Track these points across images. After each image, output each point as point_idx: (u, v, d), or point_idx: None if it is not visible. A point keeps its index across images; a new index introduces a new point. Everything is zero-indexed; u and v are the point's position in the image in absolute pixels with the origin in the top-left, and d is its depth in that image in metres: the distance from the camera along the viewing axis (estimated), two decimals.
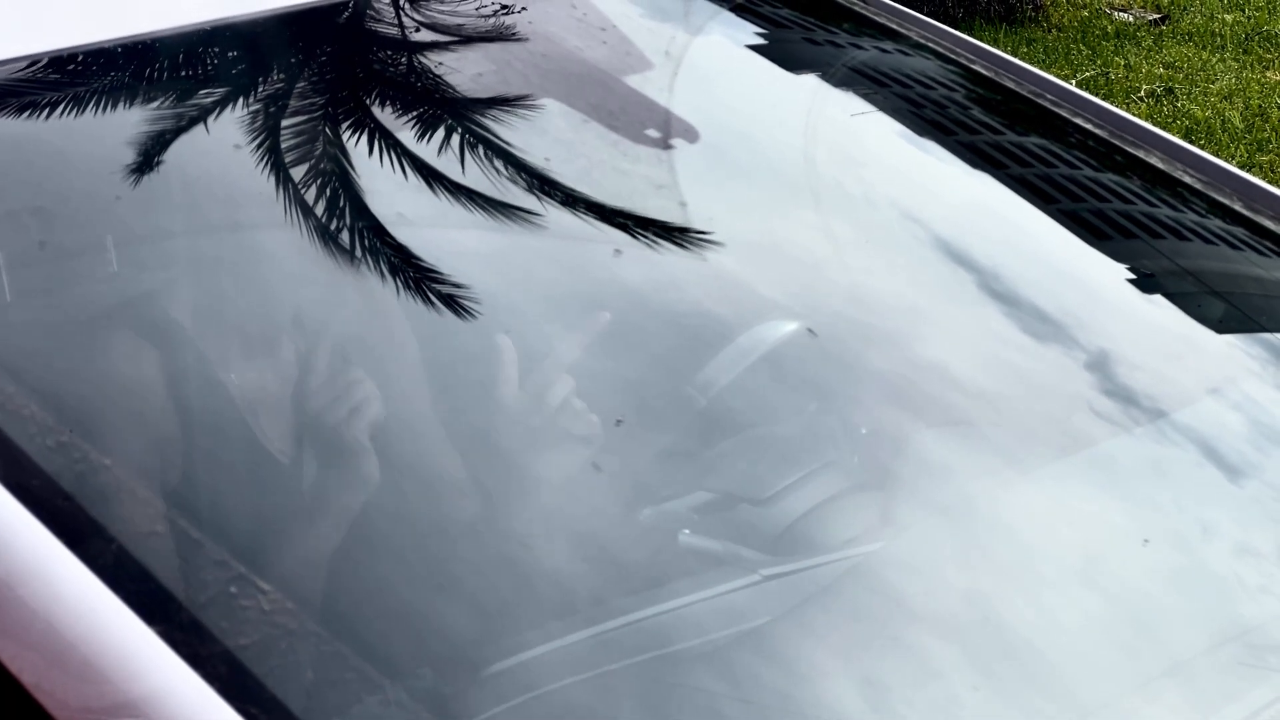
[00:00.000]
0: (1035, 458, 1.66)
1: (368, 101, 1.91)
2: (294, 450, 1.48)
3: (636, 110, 2.00)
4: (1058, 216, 2.00)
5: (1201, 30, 6.96)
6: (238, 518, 1.41)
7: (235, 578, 1.29)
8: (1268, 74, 6.48)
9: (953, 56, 2.27)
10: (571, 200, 1.78)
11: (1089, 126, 2.15)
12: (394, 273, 1.65)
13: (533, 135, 1.85)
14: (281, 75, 1.91)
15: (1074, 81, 6.26)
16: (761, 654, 1.39)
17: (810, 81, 2.20)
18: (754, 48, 2.26)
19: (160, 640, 1.20)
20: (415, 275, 1.64)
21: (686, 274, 1.76)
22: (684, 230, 1.79)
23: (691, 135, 2.00)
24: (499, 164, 1.78)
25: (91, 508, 1.31)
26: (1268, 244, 1.98)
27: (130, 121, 1.73)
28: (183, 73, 1.86)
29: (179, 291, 1.61)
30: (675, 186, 1.88)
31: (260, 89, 1.86)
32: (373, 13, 2.08)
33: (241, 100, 1.80)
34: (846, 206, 1.98)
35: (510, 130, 1.84)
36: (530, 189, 1.77)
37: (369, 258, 1.67)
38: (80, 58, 1.79)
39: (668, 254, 1.76)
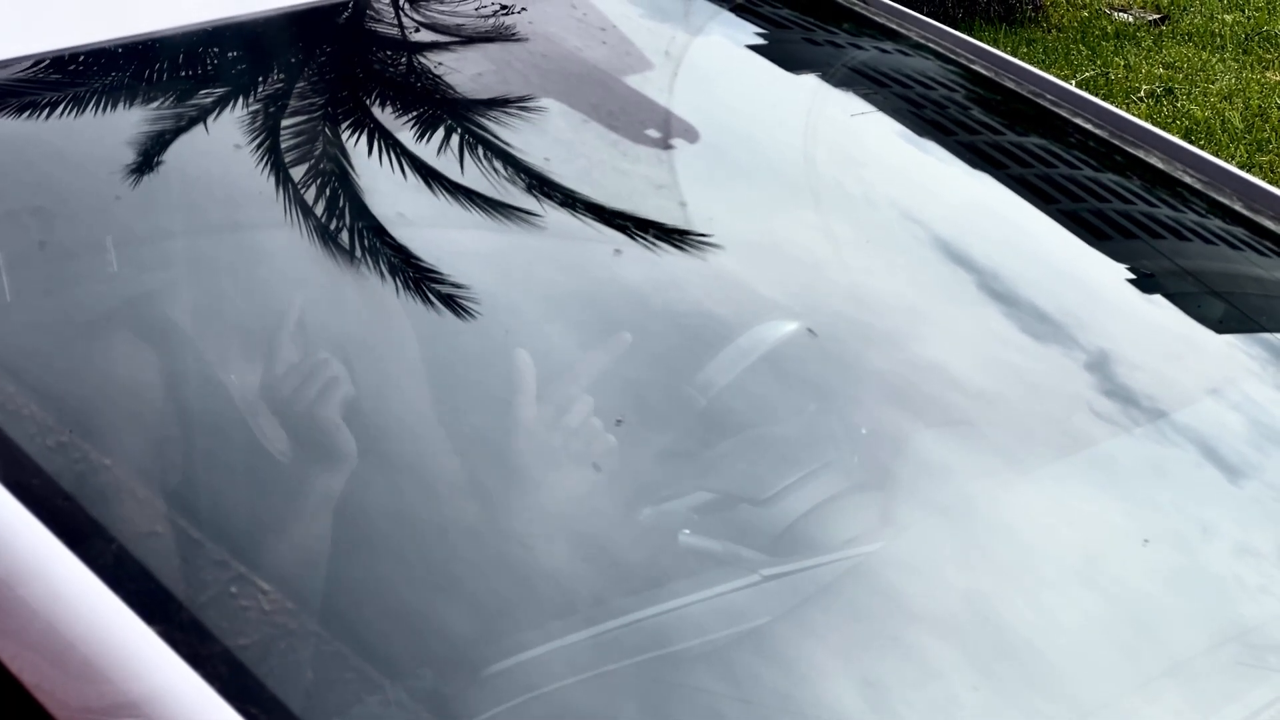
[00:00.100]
0: (1035, 458, 1.66)
1: (368, 101, 1.91)
2: (293, 450, 1.48)
3: (636, 110, 2.00)
4: (1058, 217, 2.00)
5: (1201, 30, 6.96)
6: (238, 518, 1.41)
7: (235, 578, 1.29)
8: (1267, 74, 6.49)
9: (952, 57, 2.27)
10: (571, 200, 1.78)
11: (1089, 127, 2.15)
12: (394, 273, 1.65)
13: (533, 135, 1.85)
14: (281, 75, 1.91)
15: (1074, 82, 6.26)
16: (761, 654, 1.39)
17: (810, 82, 2.20)
18: (754, 48, 2.26)
19: (160, 640, 1.20)
20: (415, 275, 1.64)
21: (686, 274, 1.76)
22: (684, 230, 1.79)
23: (691, 135, 2.00)
24: (499, 164, 1.78)
25: (91, 508, 1.31)
26: (1268, 244, 1.98)
27: (130, 121, 1.73)
28: (183, 73, 1.86)
29: (179, 292, 1.61)
30: (675, 186, 1.88)
31: (260, 89, 1.86)
32: (373, 13, 2.08)
33: (241, 100, 1.80)
34: (846, 207, 1.98)
35: (510, 130, 1.84)
36: (530, 189, 1.77)
37: (369, 258, 1.67)
38: (80, 58, 1.79)
39: (668, 254, 1.76)
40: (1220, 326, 1.89)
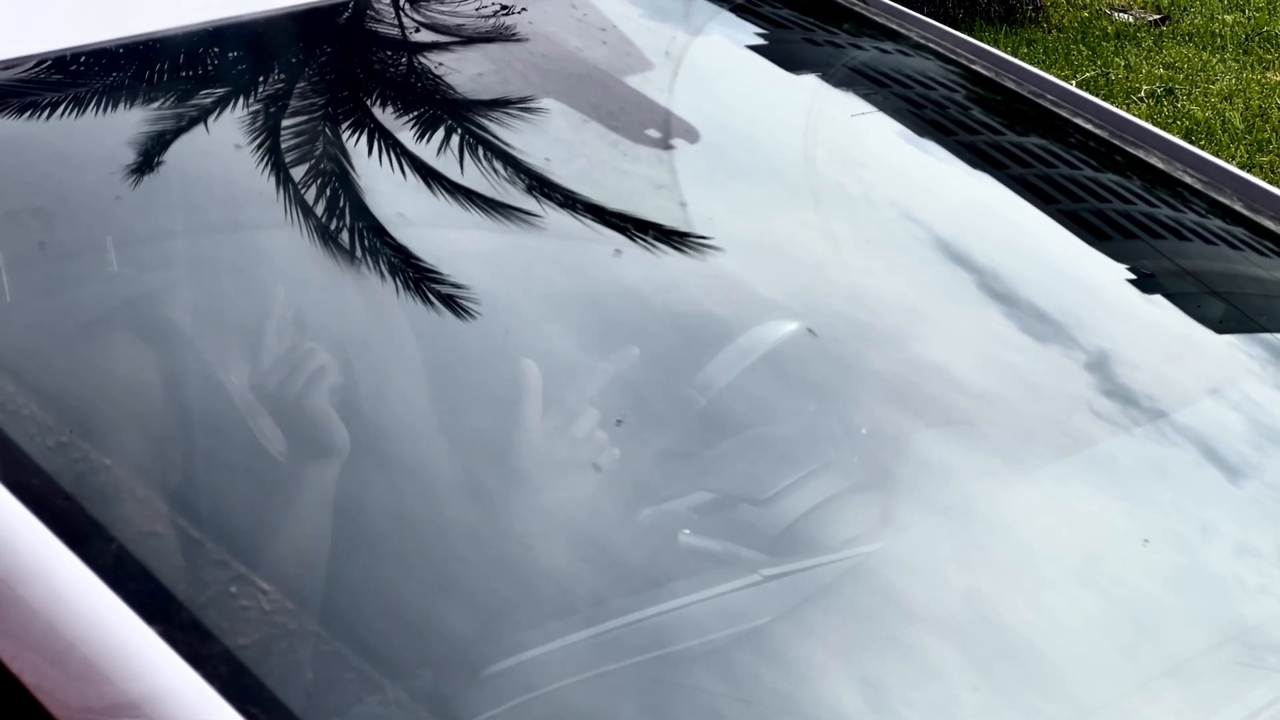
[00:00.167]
0: (1035, 458, 1.66)
1: (368, 102, 1.92)
2: (293, 450, 1.48)
3: (636, 110, 2.00)
4: (1058, 217, 2.00)
5: (1201, 31, 6.96)
6: (238, 518, 1.41)
7: (235, 578, 1.29)
8: (1268, 75, 6.48)
9: (953, 57, 2.27)
10: (571, 200, 1.78)
11: (1089, 127, 2.15)
12: (395, 273, 1.65)
13: (533, 135, 1.85)
14: (282, 75, 1.91)
15: (1074, 82, 6.26)
16: (761, 654, 1.39)
17: (810, 82, 2.20)
18: (754, 48, 2.26)
19: (160, 640, 1.20)
20: (416, 275, 1.64)
21: (687, 274, 1.76)
22: (684, 230, 1.79)
23: (692, 135, 2.00)
24: (499, 164, 1.78)
25: (91, 508, 1.31)
26: (1268, 244, 1.98)
27: (130, 122, 1.73)
28: (183, 73, 1.86)
29: (179, 292, 1.61)
30: (675, 186, 1.88)
31: (260, 89, 1.86)
32: (373, 13, 2.08)
33: (242, 100, 1.80)
34: (846, 207, 1.98)
35: (510, 130, 1.84)
36: (530, 189, 1.77)
37: (370, 258, 1.67)
38: (80, 58, 1.79)
39: (668, 254, 1.76)
40: (1220, 326, 1.89)
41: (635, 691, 1.36)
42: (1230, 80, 6.38)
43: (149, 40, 1.82)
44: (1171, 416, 1.72)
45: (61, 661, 1.20)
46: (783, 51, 2.25)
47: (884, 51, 2.30)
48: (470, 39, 2.01)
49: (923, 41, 2.29)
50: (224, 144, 1.73)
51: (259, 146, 1.73)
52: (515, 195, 1.75)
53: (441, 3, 2.11)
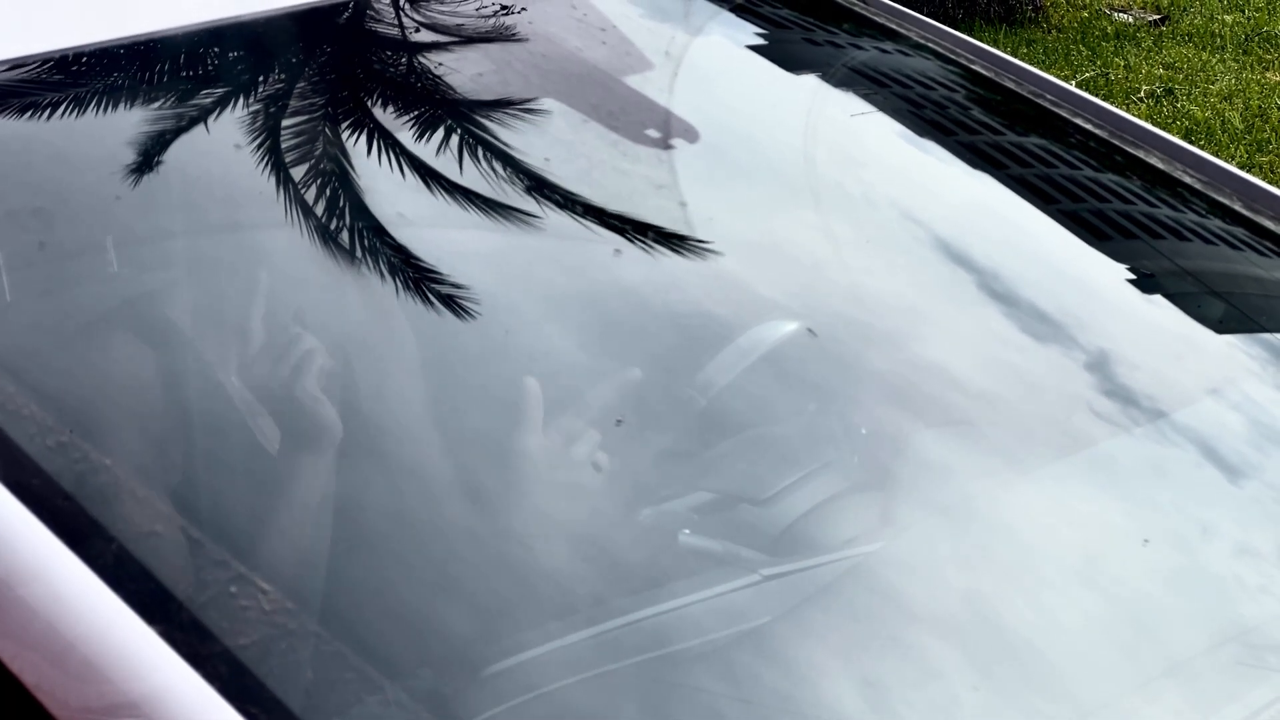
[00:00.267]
0: (1035, 458, 1.66)
1: (368, 102, 1.92)
2: (294, 450, 1.48)
3: (636, 110, 2.00)
4: (1058, 217, 2.00)
5: (1201, 31, 6.96)
6: (238, 518, 1.41)
7: (235, 578, 1.29)
8: (1267, 75, 6.49)
9: (953, 57, 2.27)
10: (571, 200, 1.78)
11: (1089, 127, 2.15)
12: (395, 273, 1.65)
13: (533, 135, 1.85)
14: (282, 75, 1.91)
15: (1074, 82, 6.26)
16: (761, 654, 1.39)
17: (810, 82, 2.20)
18: (754, 48, 2.26)
19: (160, 640, 1.20)
20: (416, 275, 1.64)
21: (687, 274, 1.76)
22: (684, 230, 1.79)
23: (691, 135, 2.00)
24: (499, 164, 1.78)
25: (92, 508, 1.31)
26: (1268, 244, 1.98)
27: (130, 122, 1.73)
28: (183, 73, 1.86)
29: (179, 292, 1.61)
30: (675, 187, 1.88)
31: (260, 89, 1.86)
32: (373, 13, 2.08)
33: (242, 100, 1.80)
34: (846, 207, 1.98)
35: (510, 130, 1.84)
36: (530, 189, 1.77)
37: (370, 258, 1.67)
38: (80, 58, 1.79)
39: (668, 254, 1.76)
40: (1220, 326, 1.89)
41: (635, 691, 1.36)
42: (1230, 80, 6.38)
43: (149, 40, 1.82)
44: (1171, 416, 1.72)
45: (61, 661, 1.20)
46: (782, 51, 2.26)
47: (884, 51, 2.30)
48: (470, 39, 2.01)
49: (922, 41, 2.29)
50: (224, 144, 1.73)
51: (259, 146, 1.73)
52: (515, 195, 1.75)
53: (441, 3, 2.11)
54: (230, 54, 1.90)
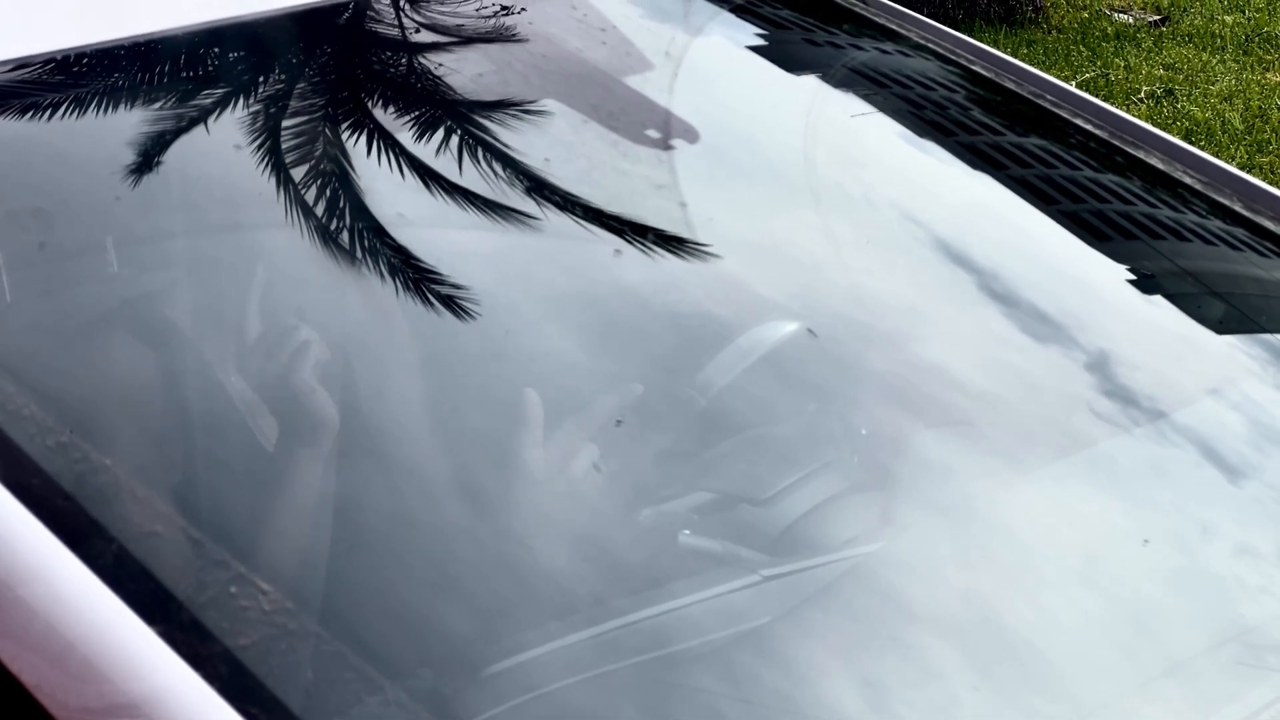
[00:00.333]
0: (1035, 458, 1.66)
1: (368, 102, 1.92)
2: (294, 451, 1.48)
3: (636, 111, 2.00)
4: (1058, 217, 2.00)
5: (1201, 32, 6.96)
6: (238, 518, 1.41)
7: (235, 578, 1.29)
8: (1268, 75, 6.49)
9: (953, 58, 2.27)
10: (571, 201, 1.78)
11: (1089, 127, 2.15)
12: (395, 273, 1.65)
13: (533, 136, 1.85)
14: (282, 76, 1.91)
15: (1074, 83, 6.26)
16: (761, 654, 1.39)
17: (810, 82, 2.20)
18: (754, 49, 2.26)
19: (160, 640, 1.20)
20: (416, 276, 1.64)
21: (687, 274, 1.76)
22: (684, 231, 1.79)
23: (691, 136, 2.00)
24: (499, 165, 1.78)
25: (92, 508, 1.31)
26: (1268, 244, 1.98)
27: (130, 122, 1.73)
28: (182, 73, 1.86)
29: (179, 292, 1.61)
30: (675, 187, 1.88)
31: (260, 89, 1.86)
32: (373, 13, 2.08)
33: (242, 101, 1.80)
34: (847, 207, 1.98)
35: (510, 131, 1.84)
36: (530, 190, 1.77)
37: (370, 259, 1.67)
38: (80, 58, 1.79)
39: (668, 254, 1.76)
40: (1220, 327, 1.89)
41: (635, 692, 1.36)
42: (1230, 81, 6.38)
43: (149, 40, 1.83)
44: (1171, 417, 1.72)
45: (61, 661, 1.20)
46: (782, 52, 2.26)
47: (884, 52, 2.30)
48: (470, 39, 2.01)
49: (922, 42, 2.29)
50: (224, 144, 1.73)
51: (259, 147, 1.73)
52: (515, 196, 1.75)
53: (441, 3, 2.11)
54: (230, 54, 1.90)
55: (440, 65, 1.97)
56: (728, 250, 1.80)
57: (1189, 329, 1.88)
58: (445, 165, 1.76)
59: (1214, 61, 6.61)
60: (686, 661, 1.38)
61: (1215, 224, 2.05)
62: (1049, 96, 2.20)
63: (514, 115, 1.87)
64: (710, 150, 1.99)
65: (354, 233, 1.69)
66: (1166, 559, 1.57)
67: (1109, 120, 2.16)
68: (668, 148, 1.95)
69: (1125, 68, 6.52)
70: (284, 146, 1.74)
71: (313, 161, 1.74)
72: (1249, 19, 7.14)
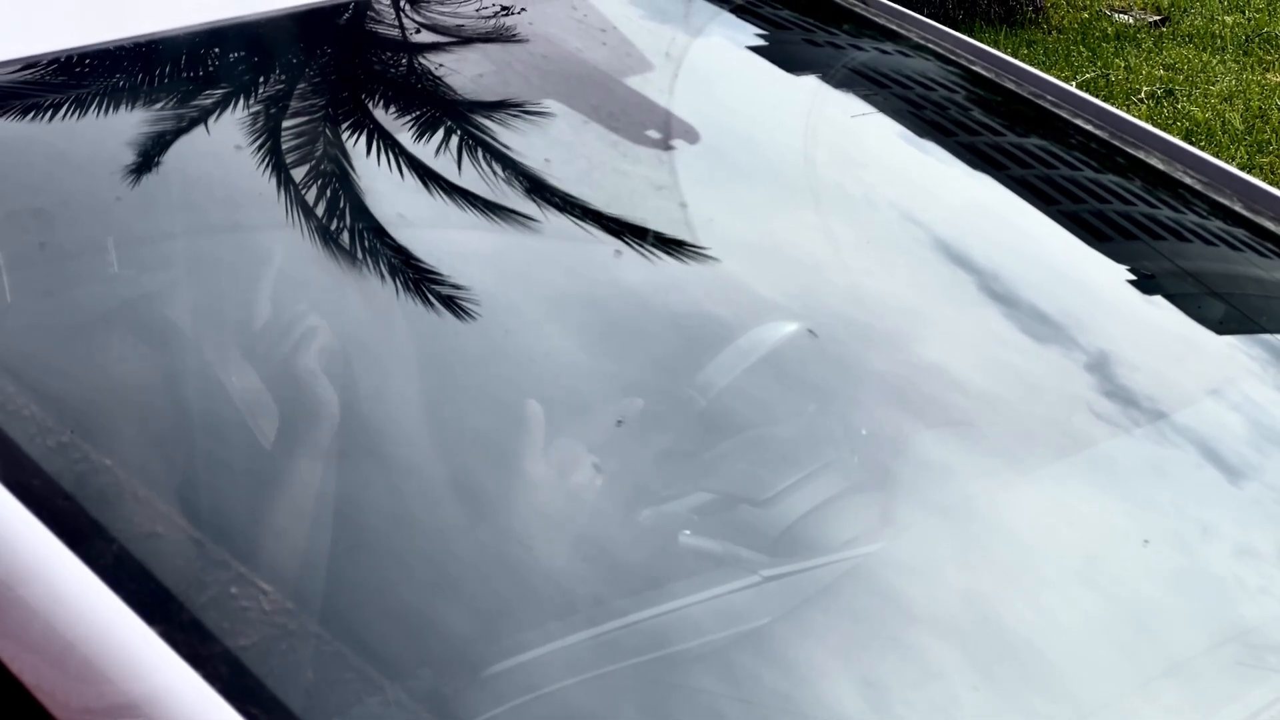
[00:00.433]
0: (1035, 458, 1.66)
1: (368, 103, 1.92)
2: (294, 451, 1.48)
3: (637, 111, 2.00)
4: (1058, 218, 2.00)
5: (1202, 32, 6.96)
6: (238, 518, 1.41)
7: (235, 578, 1.29)
8: (1268, 76, 6.49)
9: (953, 58, 2.27)
10: (572, 201, 1.78)
11: (1089, 128, 2.15)
12: (395, 274, 1.65)
13: (533, 136, 1.85)
14: (282, 76, 1.91)
15: (1074, 83, 6.26)
16: (761, 655, 1.39)
17: (810, 83, 2.20)
18: (754, 49, 2.26)
19: (160, 640, 1.20)
20: (416, 276, 1.64)
21: (687, 275, 1.76)
22: (684, 231, 1.79)
23: (692, 136, 2.00)
24: (499, 165, 1.78)
25: (92, 508, 1.31)
26: (1268, 245, 1.98)
27: (130, 123, 1.73)
28: (183, 74, 1.87)
29: (179, 292, 1.61)
30: (676, 188, 1.88)
31: (261, 90, 1.86)
32: (373, 13, 2.08)
33: (242, 101, 1.80)
34: (847, 208, 1.98)
35: (511, 131, 1.84)
36: (530, 190, 1.77)
37: (370, 259, 1.67)
38: (80, 59, 1.79)
39: (668, 255, 1.76)
40: (1220, 327, 1.89)
41: (635, 692, 1.36)
42: (1230, 81, 6.38)
43: (149, 41, 1.83)
44: (1172, 417, 1.72)
45: (61, 661, 1.20)
46: (783, 53, 2.26)
47: (884, 53, 2.30)
48: (470, 40, 2.01)
49: (923, 42, 2.29)
50: (224, 145, 1.73)
51: (259, 147, 1.73)
52: (515, 196, 1.75)
53: (441, 3, 2.11)
54: (231, 55, 1.90)
55: (440, 66, 1.97)
56: (728, 251, 1.80)
57: (1189, 329, 1.88)
58: (445, 166, 1.76)
59: (1214, 62, 6.61)
60: (687, 662, 1.38)
61: (1215, 224, 2.05)
62: (1049, 97, 2.20)
63: (514, 116, 1.87)
64: (710, 151, 2.00)
65: (354, 233, 1.69)
66: (1167, 559, 1.57)
67: (1109, 120, 2.16)
68: (668, 148, 1.95)
69: (1125, 68, 6.52)
70: (284, 147, 1.74)
71: (313, 162, 1.74)
72: (1249, 19, 7.14)
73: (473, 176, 1.75)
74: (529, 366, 1.61)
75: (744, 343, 1.68)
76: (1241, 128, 5.90)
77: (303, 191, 1.70)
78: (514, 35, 2.02)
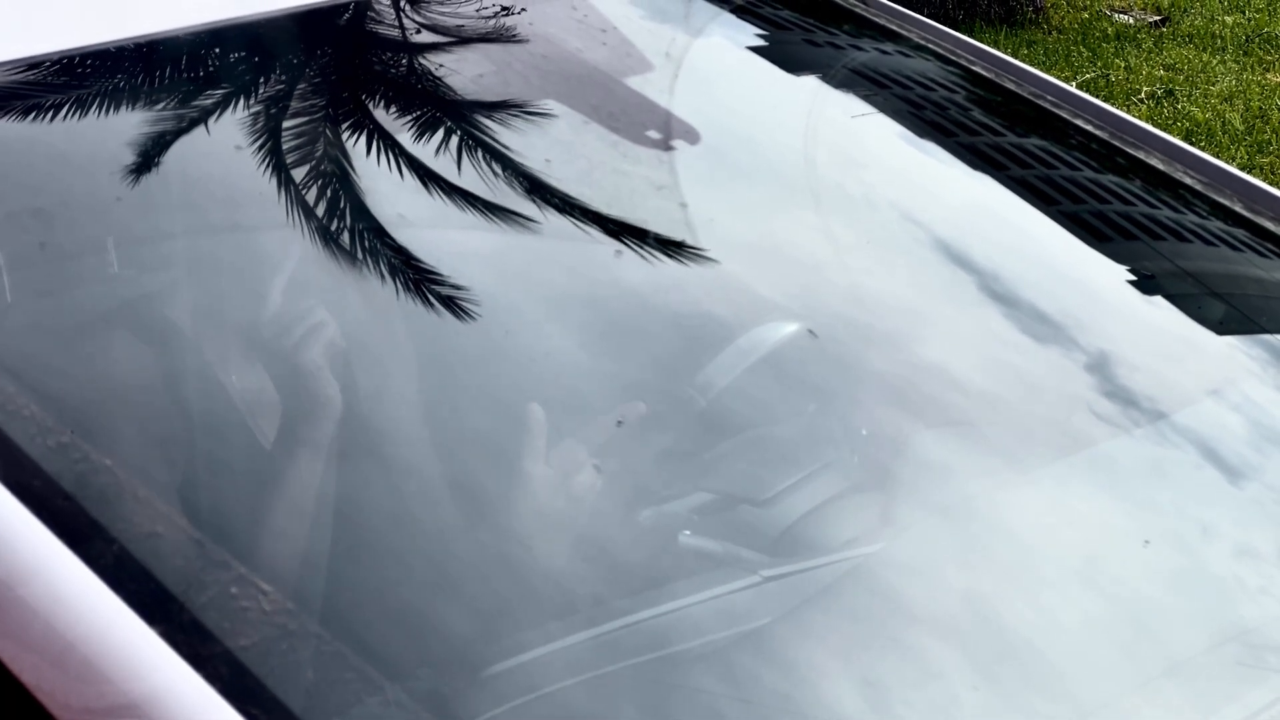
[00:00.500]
0: (1035, 459, 1.66)
1: (368, 103, 1.92)
2: (294, 451, 1.48)
3: (637, 112, 2.00)
4: (1058, 218, 2.00)
5: (1202, 32, 6.96)
6: (238, 518, 1.41)
7: (235, 578, 1.29)
8: (1268, 76, 6.49)
9: (953, 58, 2.27)
10: (572, 202, 1.78)
11: (1089, 128, 2.15)
12: (395, 274, 1.65)
13: (533, 137, 1.85)
14: (282, 77, 1.91)
15: (1074, 83, 6.26)
16: (762, 655, 1.39)
17: (811, 83, 2.20)
18: (754, 49, 2.26)
19: (160, 640, 1.20)
20: (416, 276, 1.64)
21: (687, 275, 1.76)
22: (685, 231, 1.79)
23: (692, 137, 2.00)
24: (500, 165, 1.78)
25: (92, 508, 1.31)
26: (1268, 245, 1.98)
27: (131, 123, 1.73)
28: (183, 74, 1.87)
29: (180, 292, 1.61)
30: (676, 188, 1.88)
31: (261, 90, 1.86)
32: (373, 14, 2.09)
33: (242, 102, 1.80)
34: (847, 208, 1.98)
35: (511, 132, 1.84)
36: (531, 190, 1.77)
37: (370, 259, 1.67)
38: (81, 59, 1.79)
39: (668, 255, 1.76)
40: (1220, 327, 1.89)
41: (636, 692, 1.36)
42: (1230, 82, 6.38)
43: (149, 41, 1.83)
44: (1172, 417, 1.72)
45: (61, 661, 1.20)
46: (783, 53, 2.26)
47: (884, 53, 2.30)
48: (470, 40, 2.01)
49: (923, 43, 2.29)
50: (224, 145, 1.73)
51: (259, 148, 1.73)
52: (516, 196, 1.75)
53: (442, 4, 2.11)
54: (231, 55, 1.90)
55: (441, 66, 1.97)
56: (728, 251, 1.80)
57: (1189, 329, 1.88)
58: (446, 166, 1.76)
59: (1214, 62, 6.61)
60: (687, 662, 1.38)
61: (1215, 224, 2.05)
62: (1049, 97, 2.20)
63: (514, 116, 1.87)
64: (711, 151, 2.00)
65: (355, 233, 1.69)
66: (1167, 559, 1.57)
67: (1109, 121, 2.16)
68: (668, 148, 1.95)
69: (1125, 68, 6.52)
70: (284, 147, 1.74)
71: (313, 162, 1.74)
72: (1249, 19, 7.14)
73: (473, 177, 1.76)
74: (529, 367, 1.61)
75: (744, 343, 1.68)
76: (1241, 128, 5.90)
77: (303, 192, 1.70)
78: (514, 35, 2.02)
